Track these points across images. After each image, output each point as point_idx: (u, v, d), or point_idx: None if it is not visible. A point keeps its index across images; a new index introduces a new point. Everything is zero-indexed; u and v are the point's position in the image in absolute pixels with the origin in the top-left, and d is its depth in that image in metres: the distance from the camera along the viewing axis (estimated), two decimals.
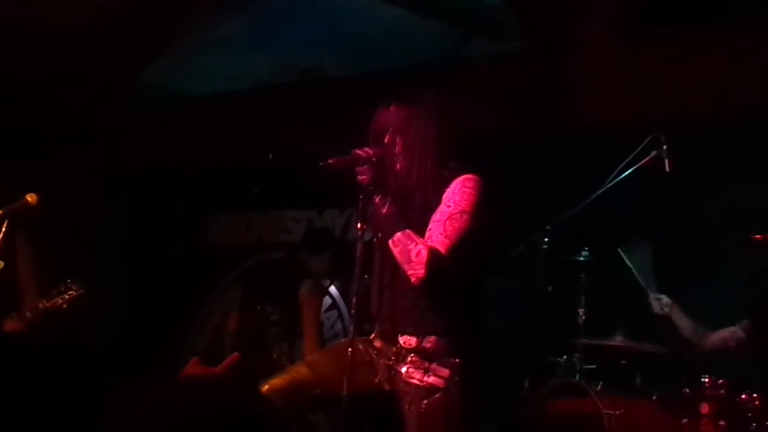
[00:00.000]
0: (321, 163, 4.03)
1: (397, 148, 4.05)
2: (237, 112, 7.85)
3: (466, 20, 7.97)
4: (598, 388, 5.98)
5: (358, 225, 4.06)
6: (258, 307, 7.21)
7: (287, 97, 7.75)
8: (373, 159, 3.99)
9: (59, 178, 8.14)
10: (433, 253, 3.87)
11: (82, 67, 7.92)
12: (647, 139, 5.93)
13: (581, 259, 6.29)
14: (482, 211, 3.98)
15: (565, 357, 6.22)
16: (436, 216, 3.93)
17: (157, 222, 8.86)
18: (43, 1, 7.24)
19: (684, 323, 6.12)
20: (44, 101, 7.98)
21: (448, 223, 3.91)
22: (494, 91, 6.72)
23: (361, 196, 3.98)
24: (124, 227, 9.04)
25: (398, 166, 4.03)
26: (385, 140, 4.07)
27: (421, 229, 3.95)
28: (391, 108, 4.13)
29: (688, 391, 5.74)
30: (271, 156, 7.73)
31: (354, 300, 4.06)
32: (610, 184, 6.06)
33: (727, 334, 6.07)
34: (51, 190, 8.07)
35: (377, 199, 3.96)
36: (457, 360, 3.98)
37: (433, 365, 3.95)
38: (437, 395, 3.94)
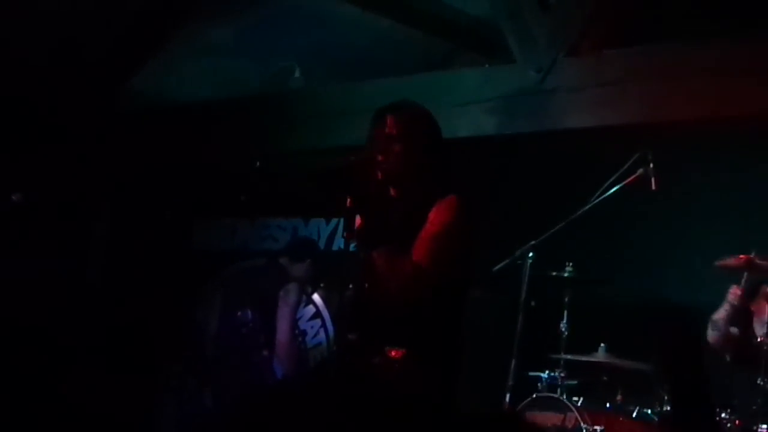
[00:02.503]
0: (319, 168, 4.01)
1: (393, 156, 4.06)
2: (224, 119, 7.84)
3: (455, 34, 7.99)
4: (579, 403, 6.01)
5: (345, 234, 4.05)
6: (238, 312, 7.18)
7: (274, 104, 7.74)
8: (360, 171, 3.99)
9: (44, 182, 8.13)
10: (416, 267, 3.89)
11: (71, 70, 7.91)
12: (634, 157, 5.95)
13: (565, 275, 6.31)
14: (466, 232, 4.03)
15: (547, 372, 6.24)
16: (422, 234, 3.95)
17: (141, 227, 8.84)
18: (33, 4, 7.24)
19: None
20: (31, 102, 7.97)
21: (433, 240, 3.94)
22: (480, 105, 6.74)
23: (348, 206, 3.97)
24: (108, 231, 9.01)
25: (391, 174, 4.05)
26: (380, 149, 4.08)
27: (404, 245, 3.96)
28: (387, 117, 4.13)
29: (668, 408, 5.78)
30: (258, 163, 7.76)
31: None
32: (595, 201, 6.07)
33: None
34: (36, 193, 8.09)
35: (364, 211, 3.96)
36: (438, 372, 4.00)
37: (414, 377, 3.96)
38: (419, 406, 3.95)
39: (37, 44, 7.58)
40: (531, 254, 6.21)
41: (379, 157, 4.06)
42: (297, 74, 8.34)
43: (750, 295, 6.05)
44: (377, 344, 4.02)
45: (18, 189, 6.57)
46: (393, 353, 3.99)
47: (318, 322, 7.64)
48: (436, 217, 3.97)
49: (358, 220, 3.96)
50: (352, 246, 4.13)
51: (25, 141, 7.98)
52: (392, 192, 4.10)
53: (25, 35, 7.48)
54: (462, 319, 4.13)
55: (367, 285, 4.08)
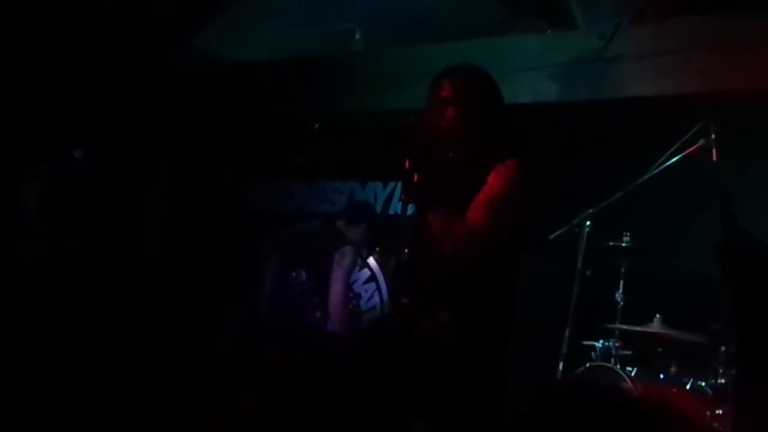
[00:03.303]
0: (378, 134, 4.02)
1: (448, 121, 4.05)
2: (284, 80, 7.85)
3: None
4: (633, 373, 5.98)
5: (402, 198, 4.05)
6: (293, 273, 7.23)
7: (334, 66, 7.74)
8: (418, 134, 3.98)
9: (105, 140, 8.20)
10: (471, 230, 3.88)
11: (134, 23, 7.94)
12: (696, 127, 5.89)
13: (622, 244, 6.27)
14: (524, 198, 4.02)
15: (601, 342, 6.22)
16: (480, 196, 3.94)
17: (199, 187, 8.89)
18: None
19: None
20: (93, 57, 8.02)
21: (490, 205, 3.92)
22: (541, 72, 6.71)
23: (406, 169, 3.97)
24: (166, 191, 9.07)
25: (447, 138, 4.03)
26: (436, 113, 4.07)
27: (461, 208, 3.96)
28: (443, 81, 4.12)
29: (722, 381, 5.72)
30: (317, 126, 7.78)
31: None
32: (655, 171, 6.02)
33: None
34: (97, 151, 8.16)
35: (422, 173, 3.95)
36: (489, 337, 4.00)
37: (464, 341, 3.96)
38: (471, 372, 3.95)
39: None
40: (588, 223, 6.18)
41: (436, 121, 4.05)
42: (358, 37, 8.32)
43: None
44: (429, 308, 4.02)
45: (79, 145, 6.64)
46: (441, 317, 3.99)
47: (373, 285, 7.65)
48: (495, 180, 3.95)
49: (416, 177, 3.94)
50: (409, 210, 4.13)
51: (86, 97, 8.04)
52: (450, 155, 4.08)
53: None
54: (515, 285, 4.11)
55: (422, 247, 4.08)
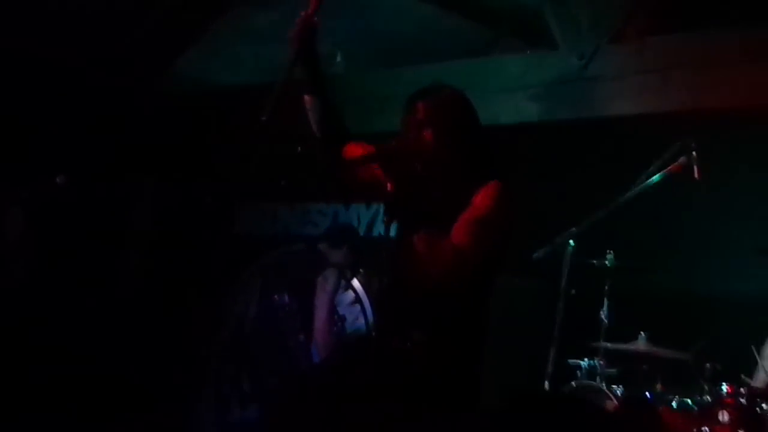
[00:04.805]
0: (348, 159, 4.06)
1: (425, 143, 4.06)
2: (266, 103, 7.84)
3: (498, 20, 7.95)
4: (619, 392, 5.98)
5: (385, 219, 4.06)
6: (275, 296, 7.21)
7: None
8: (395, 155, 4.00)
9: (88, 164, 8.19)
10: (457, 250, 3.88)
11: (115, 51, 7.95)
12: (677, 145, 5.91)
13: (606, 263, 6.28)
14: (507, 219, 4.02)
15: (586, 360, 6.22)
16: (465, 216, 3.94)
17: (183, 211, 8.87)
18: None
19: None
20: (74, 83, 8.02)
21: (475, 225, 3.93)
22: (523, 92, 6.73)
23: (389, 191, 3.98)
24: (150, 214, 9.06)
25: (427, 160, 4.04)
26: (413, 136, 4.09)
27: (443, 229, 3.96)
28: (417, 104, 4.14)
29: (708, 398, 5.72)
30: (299, 148, 7.76)
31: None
32: (637, 189, 6.04)
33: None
34: (80, 175, 8.16)
35: (404, 195, 3.96)
36: (463, 357, 4.01)
37: (445, 362, 3.96)
38: (445, 391, 3.95)
39: (81, 24, 7.62)
40: (571, 242, 6.19)
41: (413, 144, 4.07)
42: (339, 59, 8.33)
43: None
44: (405, 328, 4.02)
45: (61, 171, 6.65)
46: (418, 338, 3.99)
47: (357, 307, 7.63)
48: (480, 201, 3.96)
49: (398, 198, 3.95)
50: (392, 231, 4.13)
51: (68, 122, 8.03)
52: (431, 176, 4.09)
53: (71, 15, 7.52)
54: (489, 305, 4.13)
55: (403, 268, 4.09)
